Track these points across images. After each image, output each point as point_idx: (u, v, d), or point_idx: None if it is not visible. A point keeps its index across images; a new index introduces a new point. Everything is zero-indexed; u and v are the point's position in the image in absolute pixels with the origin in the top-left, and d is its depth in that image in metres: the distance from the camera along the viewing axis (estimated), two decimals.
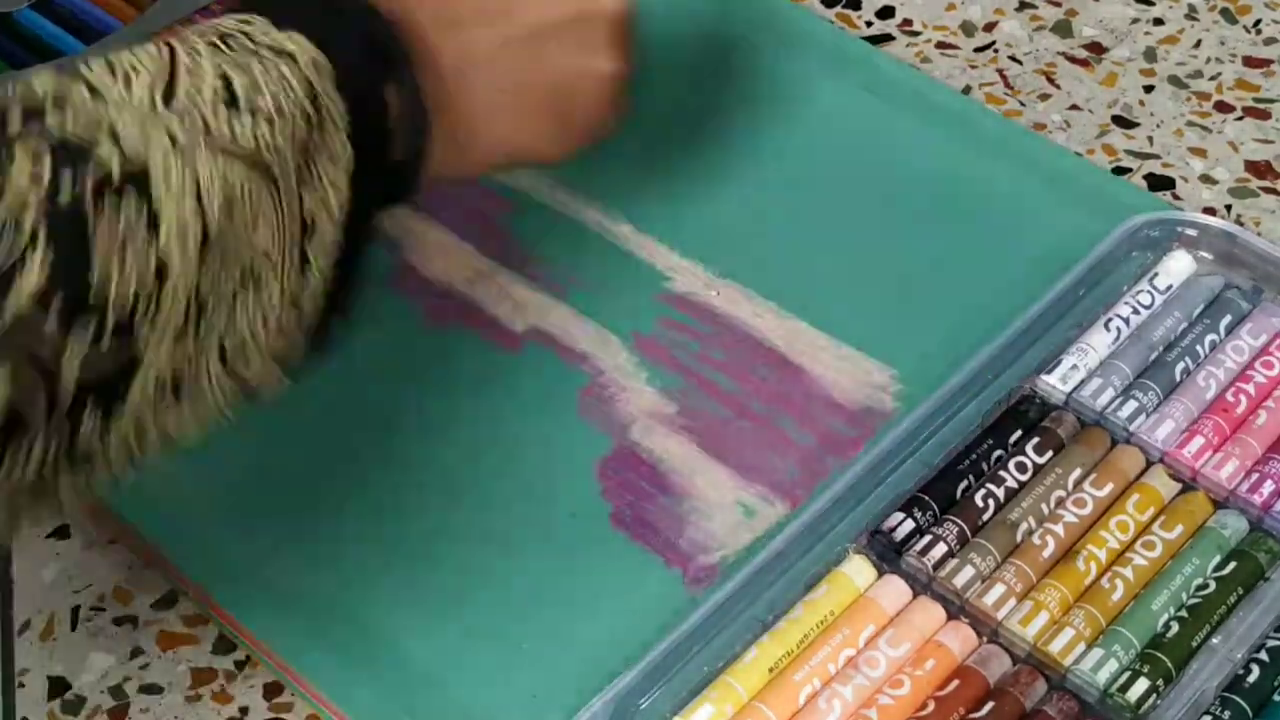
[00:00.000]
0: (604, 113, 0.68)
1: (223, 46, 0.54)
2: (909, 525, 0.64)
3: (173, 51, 0.53)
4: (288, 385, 0.58)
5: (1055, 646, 0.61)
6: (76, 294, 0.48)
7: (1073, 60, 0.88)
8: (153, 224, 0.50)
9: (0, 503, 0.50)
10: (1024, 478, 0.66)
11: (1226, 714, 0.60)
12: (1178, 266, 0.73)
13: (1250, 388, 0.68)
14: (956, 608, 0.63)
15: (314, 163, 0.55)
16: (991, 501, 0.65)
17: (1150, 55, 0.88)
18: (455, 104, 0.62)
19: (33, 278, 0.47)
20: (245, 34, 0.55)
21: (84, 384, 0.49)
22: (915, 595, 0.63)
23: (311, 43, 0.56)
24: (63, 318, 0.48)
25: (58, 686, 0.64)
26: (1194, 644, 0.61)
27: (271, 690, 0.64)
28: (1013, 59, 0.88)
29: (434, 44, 0.61)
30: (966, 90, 0.86)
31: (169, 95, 0.52)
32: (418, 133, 0.60)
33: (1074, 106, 0.85)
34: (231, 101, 0.53)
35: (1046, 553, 0.63)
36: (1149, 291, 0.72)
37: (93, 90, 0.51)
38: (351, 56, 0.57)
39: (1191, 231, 0.74)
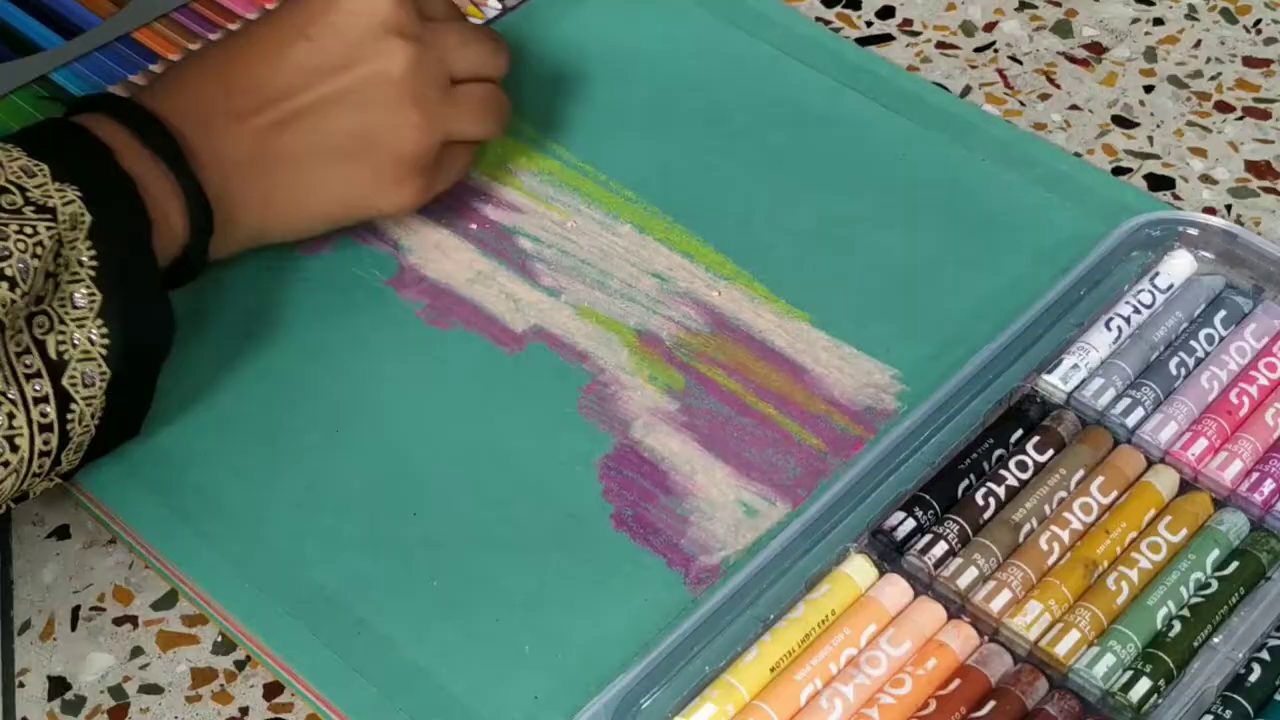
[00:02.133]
0: (424, 152, 0.74)
1: None
2: (910, 524, 0.64)
3: None
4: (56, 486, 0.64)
5: (1057, 646, 0.61)
6: None
7: (1073, 60, 0.88)
8: None
9: None
10: (1025, 476, 0.66)
11: (1228, 713, 0.59)
12: (1178, 266, 0.73)
13: (1252, 388, 0.68)
14: (958, 607, 0.63)
15: (55, 310, 0.61)
16: (992, 500, 0.65)
17: (1150, 55, 0.88)
18: (246, 186, 0.70)
19: None
20: (21, 188, 0.61)
21: None
22: (916, 594, 0.63)
23: (80, 192, 0.62)
24: None
25: (58, 686, 0.64)
26: (1195, 643, 0.61)
27: (271, 690, 0.64)
28: (1013, 59, 0.88)
29: (207, 140, 0.69)
30: (966, 90, 0.86)
31: None
32: (200, 227, 0.68)
33: (1074, 106, 0.85)
34: None
35: (1048, 552, 0.63)
36: (1150, 291, 0.72)
37: None
38: (117, 204, 0.64)
39: (1192, 231, 0.74)
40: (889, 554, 0.64)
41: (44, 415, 0.60)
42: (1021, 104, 0.85)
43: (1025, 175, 0.80)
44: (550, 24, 0.89)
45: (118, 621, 0.66)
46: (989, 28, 0.90)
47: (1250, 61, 0.87)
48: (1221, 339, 0.70)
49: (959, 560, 0.63)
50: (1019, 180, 0.80)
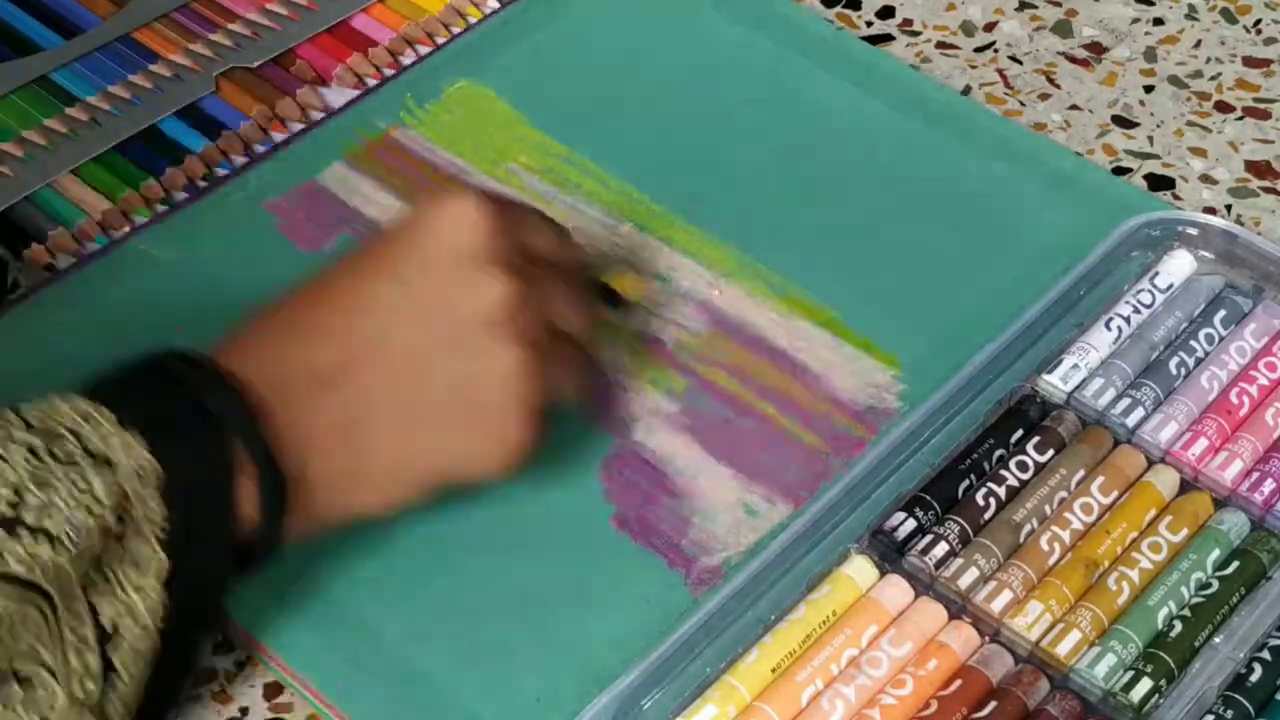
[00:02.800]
0: (522, 408, 0.63)
1: (40, 456, 0.54)
2: (911, 525, 0.64)
3: None
4: None
5: (1058, 646, 0.61)
6: None
7: (1073, 60, 0.88)
8: None
9: None
10: (1025, 476, 0.66)
11: (1229, 713, 0.60)
12: (1178, 266, 0.73)
13: (1253, 388, 0.69)
14: (959, 607, 0.62)
15: (113, 571, 0.55)
16: (993, 500, 0.65)
17: (1150, 55, 0.88)
18: (323, 459, 0.61)
19: None
20: (77, 435, 0.55)
21: None
22: (917, 595, 0.63)
23: (147, 443, 0.55)
24: None
25: None
26: (1196, 643, 0.61)
27: (271, 690, 0.64)
28: (1013, 59, 0.88)
29: (284, 408, 0.60)
30: (966, 90, 0.86)
31: None
32: (274, 503, 0.59)
33: (1074, 106, 0.85)
34: (14, 520, 0.52)
35: (1049, 553, 0.63)
36: (1150, 291, 0.72)
37: None
38: (192, 456, 0.57)
39: (1192, 231, 0.74)
40: (890, 554, 0.64)
41: (85, 692, 0.54)
42: (1021, 104, 0.85)
43: (1025, 175, 0.80)
44: (548, 19, 0.88)
45: None
46: (989, 28, 0.90)
47: (1250, 61, 0.87)
48: (1221, 339, 0.70)
49: (960, 561, 0.63)
50: (1019, 180, 0.80)
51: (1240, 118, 0.84)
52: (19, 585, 0.52)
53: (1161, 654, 0.61)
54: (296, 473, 0.59)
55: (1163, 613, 0.62)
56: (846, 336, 0.74)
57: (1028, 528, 0.64)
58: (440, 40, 0.88)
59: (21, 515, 0.52)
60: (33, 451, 0.54)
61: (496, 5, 0.90)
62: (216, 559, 0.58)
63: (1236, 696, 0.60)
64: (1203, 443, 0.67)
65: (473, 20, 0.89)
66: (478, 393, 0.63)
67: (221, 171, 0.82)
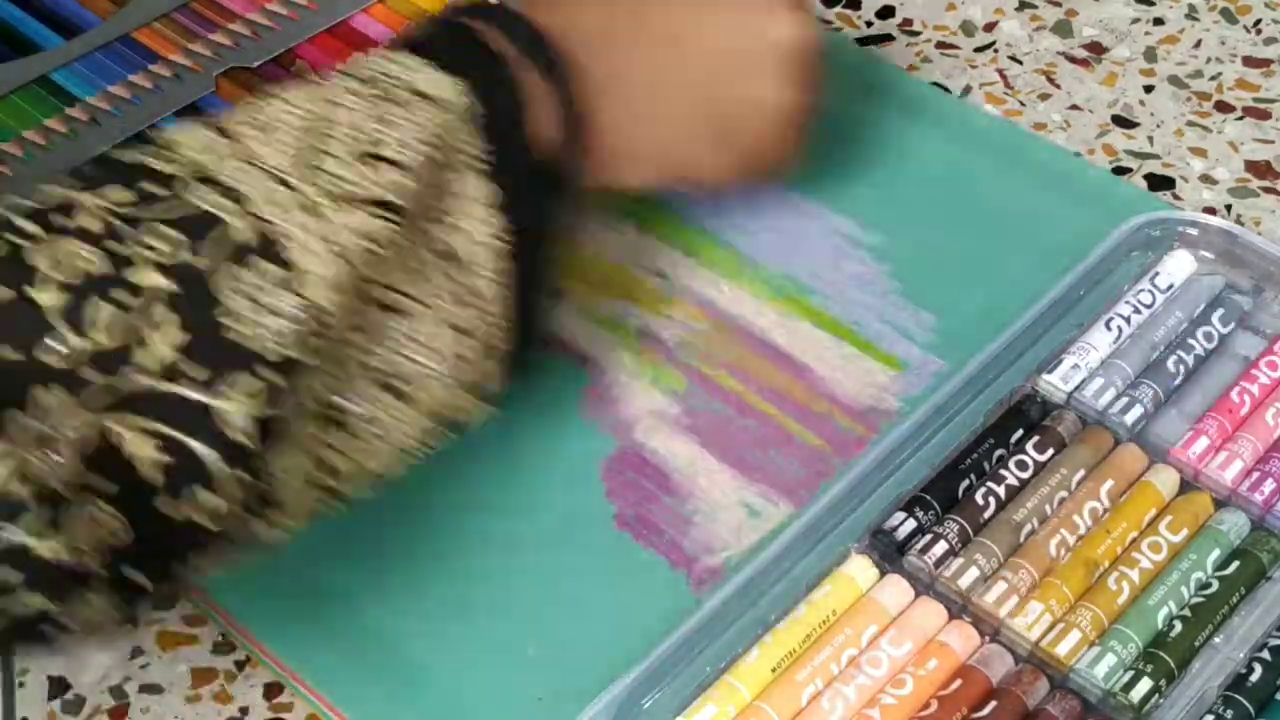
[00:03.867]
0: (774, 144, 0.72)
1: (369, 93, 0.58)
2: (911, 524, 0.64)
3: (317, 103, 0.57)
4: (491, 413, 0.62)
5: (1058, 646, 0.61)
6: (213, 355, 0.51)
7: (1073, 60, 0.88)
8: (291, 283, 0.53)
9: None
10: (1025, 476, 0.66)
11: (1229, 713, 0.59)
12: (1178, 266, 0.73)
13: (1253, 387, 0.68)
14: (959, 607, 0.62)
15: (450, 201, 0.59)
16: (992, 500, 0.65)
17: (1150, 55, 0.88)
18: (610, 118, 0.66)
19: (162, 344, 0.51)
20: (393, 78, 0.59)
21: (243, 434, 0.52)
22: (917, 595, 0.63)
23: (456, 82, 0.60)
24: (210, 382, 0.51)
25: (58, 686, 0.64)
26: (1196, 643, 0.61)
27: (272, 690, 0.64)
28: (1013, 59, 0.88)
29: (590, 60, 0.65)
30: (966, 90, 0.86)
31: (305, 155, 0.55)
32: (572, 140, 0.64)
33: (1074, 106, 0.85)
34: (369, 154, 0.56)
35: (1049, 552, 0.63)
36: (1150, 291, 0.72)
37: (236, 153, 0.55)
38: (497, 92, 0.61)
39: (1192, 231, 0.74)
40: (890, 554, 0.64)
41: (458, 317, 0.59)
42: (1021, 104, 0.85)
43: (1025, 175, 0.80)
44: None
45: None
46: (989, 28, 0.90)
47: (1250, 61, 0.87)
48: (1222, 339, 0.70)
49: (960, 560, 0.63)
50: (1019, 180, 0.80)
51: (1240, 118, 0.85)
52: (385, 211, 0.56)
53: (1161, 654, 0.61)
54: (589, 107, 0.65)
55: (1163, 613, 0.62)
56: (847, 337, 0.74)
57: (1028, 527, 0.64)
58: None
59: (372, 147, 0.56)
60: (357, 94, 0.58)
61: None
62: (533, 183, 0.62)
63: (1237, 696, 0.60)
64: (1203, 442, 0.67)
65: None
66: (744, 116, 0.70)
67: None
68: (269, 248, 0.53)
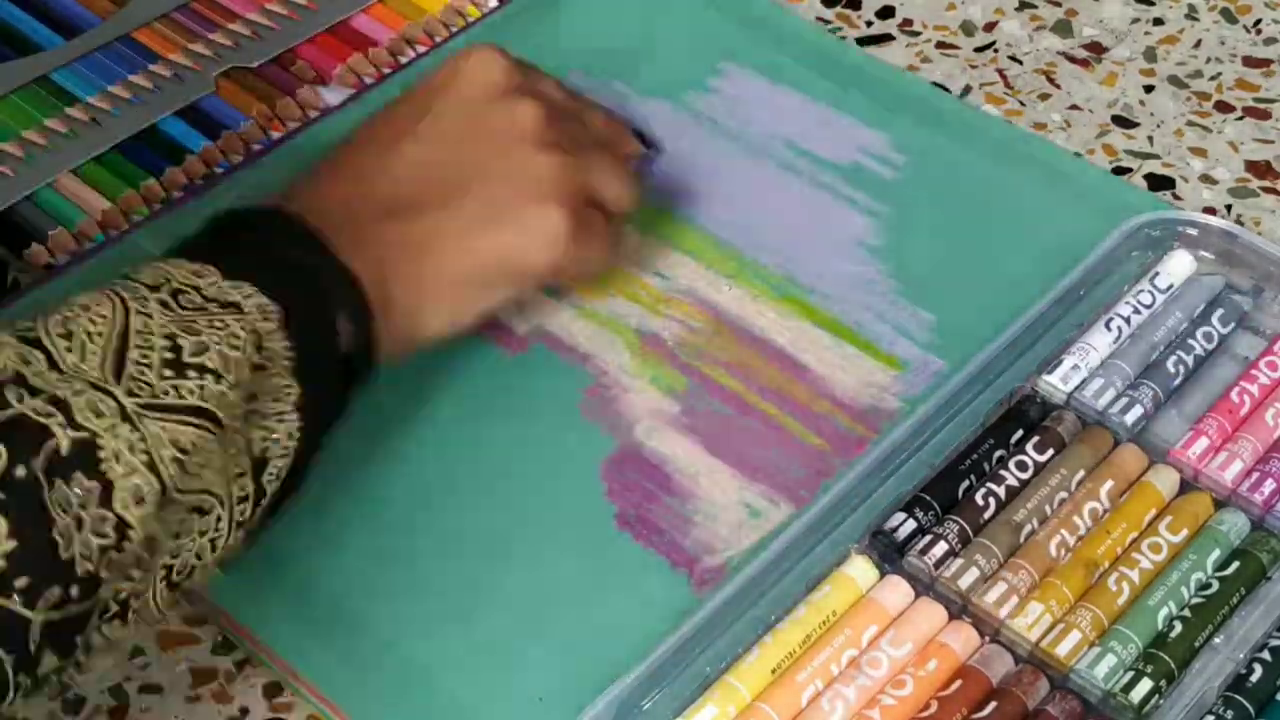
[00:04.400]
0: (566, 185, 0.70)
1: (173, 305, 0.58)
2: (911, 525, 0.64)
3: (126, 314, 0.57)
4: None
5: (1058, 647, 0.61)
6: (40, 568, 0.52)
7: (1073, 60, 0.88)
8: (106, 494, 0.53)
9: None
10: (1025, 477, 0.66)
11: (1229, 714, 0.59)
12: (1178, 266, 0.73)
13: (1254, 387, 0.68)
14: (959, 608, 0.62)
15: (261, 404, 0.59)
16: (992, 500, 0.65)
17: (1150, 55, 0.88)
18: (394, 289, 0.66)
19: None
20: (195, 288, 0.59)
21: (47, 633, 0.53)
22: (917, 595, 0.63)
23: (258, 289, 0.60)
24: (27, 591, 0.51)
25: (58, 687, 0.64)
26: (1196, 644, 0.61)
27: (271, 690, 0.64)
28: (1013, 59, 0.88)
29: (350, 237, 0.65)
30: (966, 90, 0.86)
31: (119, 365, 0.56)
32: (366, 327, 0.64)
33: (1074, 106, 0.85)
34: (179, 363, 0.57)
35: (1049, 553, 0.63)
36: (1150, 291, 0.72)
37: (51, 363, 0.54)
38: (297, 291, 0.61)
39: (1192, 231, 0.74)
40: (890, 555, 0.64)
41: (242, 514, 0.59)
42: (1021, 104, 0.85)
43: (1026, 175, 0.80)
44: (548, 18, 0.88)
45: None
46: (989, 28, 0.90)
47: (1250, 61, 0.87)
48: (1222, 339, 0.70)
49: (960, 561, 0.63)
50: (1019, 180, 0.80)
51: (1240, 118, 0.85)
52: (200, 420, 0.56)
53: (1161, 654, 0.61)
54: (376, 298, 0.64)
55: (1163, 613, 0.62)
56: (847, 337, 0.74)
57: (1028, 528, 0.64)
58: (439, 40, 0.88)
59: (183, 358, 0.57)
60: (164, 305, 0.58)
61: (496, 4, 0.90)
62: (333, 383, 0.63)
63: (1237, 697, 0.60)
64: (1203, 442, 0.67)
65: (472, 20, 0.89)
66: (521, 193, 0.69)
67: (220, 170, 0.82)
68: (87, 459, 0.53)
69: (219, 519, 0.58)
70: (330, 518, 0.68)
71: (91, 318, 0.56)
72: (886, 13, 0.91)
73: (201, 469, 0.56)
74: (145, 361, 0.56)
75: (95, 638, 0.55)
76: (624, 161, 0.75)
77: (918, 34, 0.89)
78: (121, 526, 0.53)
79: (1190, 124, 0.84)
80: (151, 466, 0.54)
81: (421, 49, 0.87)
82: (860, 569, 0.64)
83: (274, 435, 0.59)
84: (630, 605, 0.65)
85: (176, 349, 0.57)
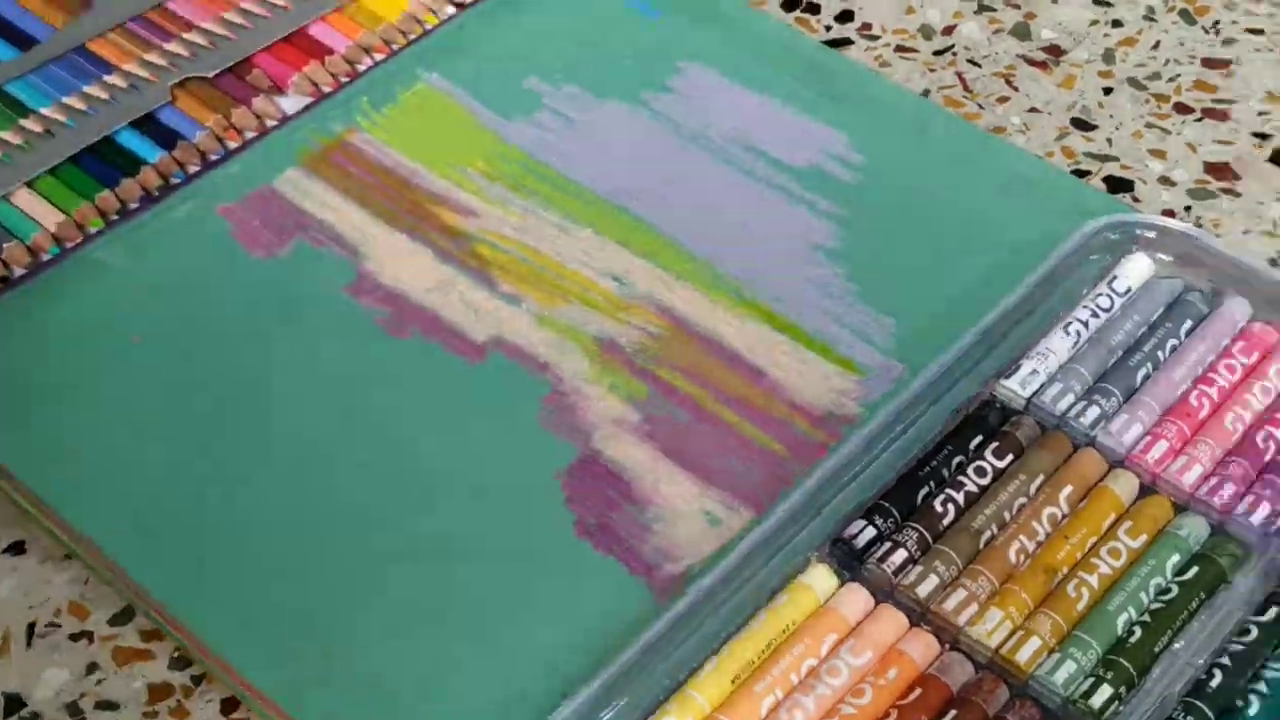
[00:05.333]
0: None
1: None
2: (870, 532, 0.64)
3: None
4: None
5: (1018, 653, 0.61)
6: None
7: (1031, 63, 0.88)
8: None
9: None
10: (984, 483, 0.66)
11: (1189, 719, 0.59)
12: (1136, 269, 0.73)
13: (1212, 390, 0.68)
14: (918, 615, 0.62)
15: None
16: (951, 506, 0.65)
17: (1109, 57, 0.88)
18: None
19: None
20: None
21: None
22: (877, 603, 0.63)
23: None
24: None
25: (13, 704, 0.64)
26: (1156, 649, 0.61)
27: (229, 706, 0.64)
28: (971, 62, 0.88)
29: None
30: (925, 94, 0.86)
31: None
32: None
33: (1033, 109, 0.85)
34: None
35: (1009, 559, 0.63)
36: (1108, 295, 0.72)
37: None
38: None
39: (1150, 234, 0.73)
40: (849, 562, 0.64)
41: None
42: (980, 107, 0.85)
43: (984, 178, 0.80)
44: (506, 23, 0.88)
45: (74, 637, 0.65)
46: (948, 31, 0.90)
47: (1209, 63, 0.87)
48: (1180, 342, 0.70)
49: (919, 568, 0.63)
50: (978, 183, 0.80)
51: (1199, 119, 0.84)
52: None
53: (1121, 660, 0.61)
54: None
55: (1122, 618, 0.62)
56: (805, 341, 0.74)
57: (987, 534, 0.64)
58: (396, 48, 0.87)
59: None
60: None
61: (453, 11, 0.89)
62: None
63: (1197, 703, 0.60)
64: (1162, 445, 0.67)
65: (430, 27, 0.88)
66: None
67: (176, 181, 0.81)
68: None
69: None
70: (285, 530, 0.67)
71: None
72: (845, 16, 0.90)
73: None
74: None
75: None
76: None
77: (876, 38, 0.89)
78: None
79: (1149, 126, 0.84)
80: None
81: (379, 57, 0.87)
82: (819, 577, 0.63)
83: None
84: (590, 614, 0.65)
85: None
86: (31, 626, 0.66)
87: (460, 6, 0.89)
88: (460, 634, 0.65)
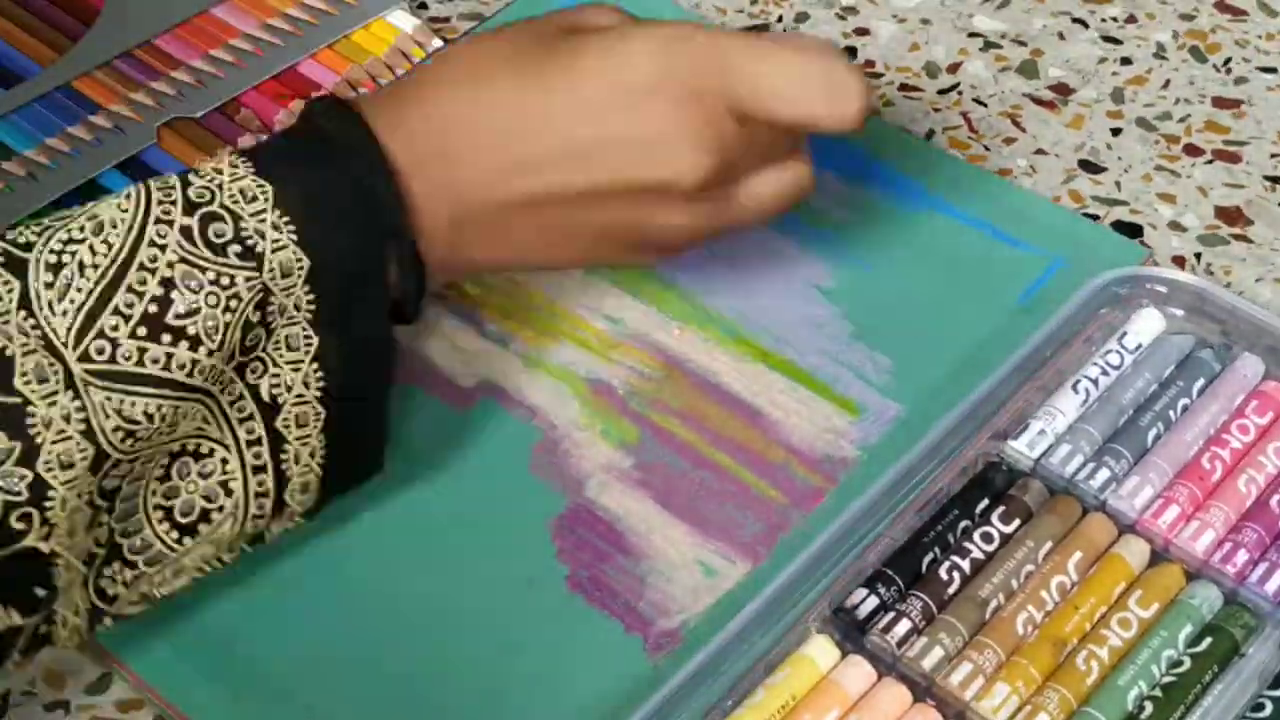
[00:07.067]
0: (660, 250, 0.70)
1: (196, 238, 0.57)
2: (873, 602, 0.62)
3: (139, 237, 0.56)
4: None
5: None
6: None
7: (1038, 102, 0.86)
8: (27, 455, 0.54)
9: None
10: (990, 548, 0.64)
11: None
12: (1147, 325, 0.71)
13: (1225, 452, 0.67)
14: (923, 689, 0.61)
15: (267, 354, 0.59)
16: (957, 575, 0.63)
17: (1118, 96, 0.86)
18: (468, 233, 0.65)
19: None
20: (234, 218, 0.58)
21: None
22: (880, 676, 0.61)
23: (298, 228, 0.58)
24: None
25: None
26: None
27: None
28: (977, 101, 0.86)
29: (439, 200, 0.63)
30: (930, 134, 0.84)
31: (95, 314, 0.55)
32: (414, 279, 0.63)
33: (1040, 150, 0.83)
34: (160, 323, 0.56)
35: (1016, 630, 0.62)
36: (1118, 351, 0.70)
37: (24, 299, 0.55)
38: (341, 243, 0.60)
39: (1161, 288, 0.72)
40: (851, 633, 0.62)
41: (257, 458, 0.59)
42: (986, 148, 0.83)
43: (986, 219, 0.79)
44: None
45: (49, 707, 0.64)
46: (953, 69, 0.88)
47: (1220, 102, 0.86)
48: (1192, 401, 0.69)
49: (924, 640, 0.61)
50: (979, 224, 0.78)
51: (1210, 161, 0.83)
52: (161, 385, 0.56)
53: None
54: (444, 240, 0.63)
55: (1133, 693, 0.60)
56: (802, 380, 0.73)
57: (994, 604, 0.62)
58: (384, 82, 0.86)
59: (166, 318, 0.56)
60: (187, 234, 0.57)
61: (439, 44, 0.88)
62: (371, 333, 0.62)
63: None
64: (1174, 510, 0.65)
65: (417, 61, 0.87)
66: (634, 233, 0.67)
67: None
68: (12, 421, 0.53)
69: (225, 461, 0.59)
70: (270, 593, 0.66)
71: (93, 246, 0.56)
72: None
73: (172, 426, 0.56)
74: (126, 313, 0.55)
75: (79, 593, 0.56)
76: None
77: (880, 76, 0.87)
78: (40, 485, 0.53)
79: (1159, 168, 0.82)
80: (89, 434, 0.54)
81: (365, 91, 0.85)
82: (820, 649, 0.62)
83: (287, 383, 0.59)
84: (583, 671, 0.64)
85: (165, 303, 0.56)
86: (5, 697, 0.64)
87: (446, 40, 0.88)
88: (452, 692, 0.63)
